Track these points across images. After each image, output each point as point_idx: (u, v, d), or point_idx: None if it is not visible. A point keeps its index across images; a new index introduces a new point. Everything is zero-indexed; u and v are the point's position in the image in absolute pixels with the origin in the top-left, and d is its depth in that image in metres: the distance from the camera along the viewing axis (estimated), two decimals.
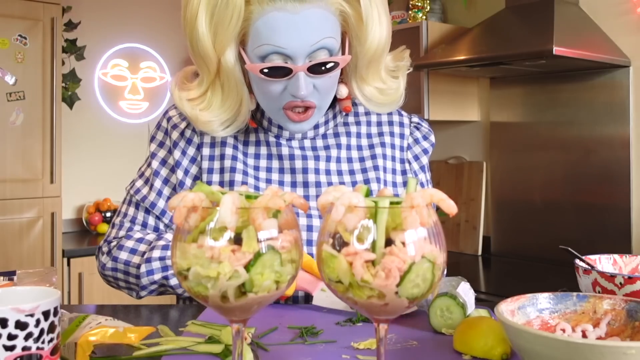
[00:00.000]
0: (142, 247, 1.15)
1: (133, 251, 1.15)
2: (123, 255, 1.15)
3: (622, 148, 2.72)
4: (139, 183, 1.23)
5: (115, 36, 3.95)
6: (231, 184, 1.15)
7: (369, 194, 0.63)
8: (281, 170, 1.18)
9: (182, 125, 1.20)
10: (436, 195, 0.61)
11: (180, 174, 1.18)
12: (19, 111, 3.13)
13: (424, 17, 3.19)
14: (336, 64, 1.06)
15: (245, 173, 1.15)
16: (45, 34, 3.20)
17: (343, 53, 1.10)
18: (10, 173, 3.12)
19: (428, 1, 3.23)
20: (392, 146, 1.24)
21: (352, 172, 1.20)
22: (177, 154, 1.18)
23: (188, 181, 1.18)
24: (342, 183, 1.17)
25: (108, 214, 3.73)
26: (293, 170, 1.17)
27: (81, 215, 3.81)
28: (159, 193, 1.19)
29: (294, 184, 1.17)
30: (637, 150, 2.70)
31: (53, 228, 3.20)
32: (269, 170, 1.18)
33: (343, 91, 1.17)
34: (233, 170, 1.15)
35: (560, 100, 2.92)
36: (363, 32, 1.08)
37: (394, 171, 1.23)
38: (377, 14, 1.08)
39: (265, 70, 1.04)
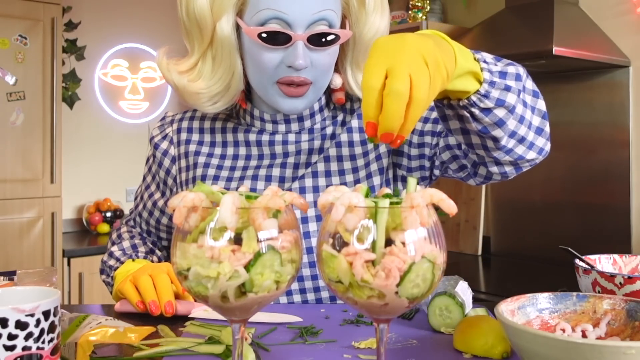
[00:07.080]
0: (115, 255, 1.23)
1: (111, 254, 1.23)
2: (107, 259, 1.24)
3: (622, 148, 2.72)
4: (138, 191, 1.32)
5: (115, 36, 3.95)
6: (199, 179, 1.15)
7: (369, 194, 0.63)
8: (257, 168, 1.14)
9: (157, 138, 1.24)
10: (436, 195, 0.61)
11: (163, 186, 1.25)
12: (19, 111, 3.13)
13: (424, 17, 3.19)
14: (337, 37, 1.05)
15: (216, 178, 1.14)
16: (46, 34, 3.20)
17: None
18: (10, 173, 3.12)
19: (428, 1, 3.23)
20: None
21: (341, 173, 1.12)
22: (161, 173, 1.23)
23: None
24: (329, 185, 1.12)
25: (108, 214, 3.73)
26: (270, 166, 1.14)
27: (81, 215, 3.81)
28: (144, 206, 1.28)
29: (268, 178, 1.13)
30: (637, 150, 2.70)
31: (53, 228, 3.20)
32: (245, 168, 1.14)
33: (337, 81, 1.15)
34: (204, 178, 1.14)
35: (560, 100, 2.92)
36: (363, 17, 1.08)
37: (408, 156, 1.13)
38: (379, 1, 1.09)
39: (264, 35, 1.01)
